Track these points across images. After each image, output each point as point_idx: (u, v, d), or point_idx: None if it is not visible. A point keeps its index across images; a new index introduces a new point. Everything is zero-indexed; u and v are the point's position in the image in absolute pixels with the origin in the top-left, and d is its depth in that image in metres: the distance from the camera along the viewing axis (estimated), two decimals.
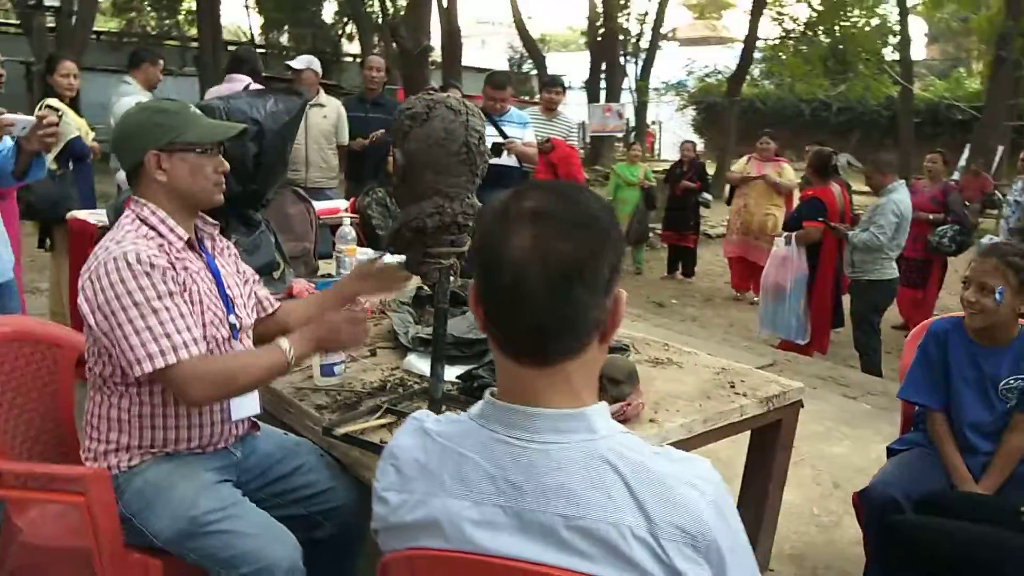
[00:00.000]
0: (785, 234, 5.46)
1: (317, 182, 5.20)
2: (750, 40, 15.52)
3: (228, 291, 1.82)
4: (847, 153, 7.37)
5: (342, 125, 5.33)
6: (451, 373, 2.21)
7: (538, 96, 6.11)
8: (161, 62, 4.94)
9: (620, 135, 17.81)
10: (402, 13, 13.81)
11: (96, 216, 3.71)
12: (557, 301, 0.92)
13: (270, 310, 2.03)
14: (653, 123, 24.25)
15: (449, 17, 15.74)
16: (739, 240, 7.27)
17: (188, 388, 1.58)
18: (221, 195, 1.79)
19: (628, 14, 20.16)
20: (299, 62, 5.43)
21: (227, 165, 1.80)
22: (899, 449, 2.33)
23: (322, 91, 5.37)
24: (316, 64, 5.42)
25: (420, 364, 2.30)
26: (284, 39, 19.65)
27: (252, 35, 20.89)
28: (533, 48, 19.81)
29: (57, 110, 2.99)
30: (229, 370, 1.63)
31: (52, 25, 12.45)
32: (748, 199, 7.19)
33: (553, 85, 5.91)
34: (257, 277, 2.02)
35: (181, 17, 19.05)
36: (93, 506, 1.55)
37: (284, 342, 1.72)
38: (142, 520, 1.62)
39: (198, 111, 1.79)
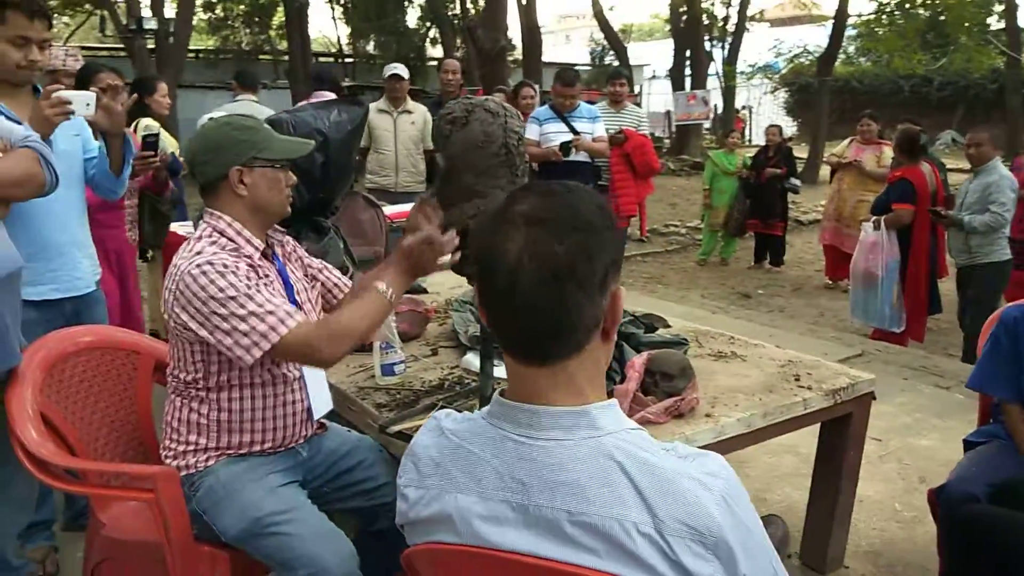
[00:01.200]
0: (873, 218, 5.23)
1: (407, 186, 5.34)
2: (840, 16, 14.90)
3: (297, 296, 1.89)
4: (951, 130, 6.99)
5: (428, 130, 5.44)
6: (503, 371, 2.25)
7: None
8: None
9: (706, 122, 17.41)
10: (479, 13, 13.94)
11: (185, 228, 3.93)
12: (552, 304, 0.95)
13: (346, 291, 2.08)
14: (743, 108, 23.63)
15: (528, 14, 15.77)
16: (832, 227, 7.01)
17: (313, 351, 1.66)
18: (289, 208, 1.88)
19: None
20: (387, 70, 5.59)
21: (295, 178, 1.88)
22: (976, 442, 2.21)
23: (409, 98, 5.50)
24: (403, 71, 5.56)
25: (477, 362, 2.33)
26: (370, 47, 20.12)
27: (340, 45, 21.52)
28: (614, 39, 19.61)
29: (155, 132, 3.14)
30: (345, 323, 1.70)
31: (152, 47, 13.16)
32: (843, 184, 6.93)
33: (616, 77, 5.85)
34: (326, 265, 2.09)
35: (272, 32, 19.79)
36: (162, 502, 1.66)
37: (380, 284, 1.76)
38: (212, 517, 1.72)
39: (270, 127, 1.88)
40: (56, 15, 19.88)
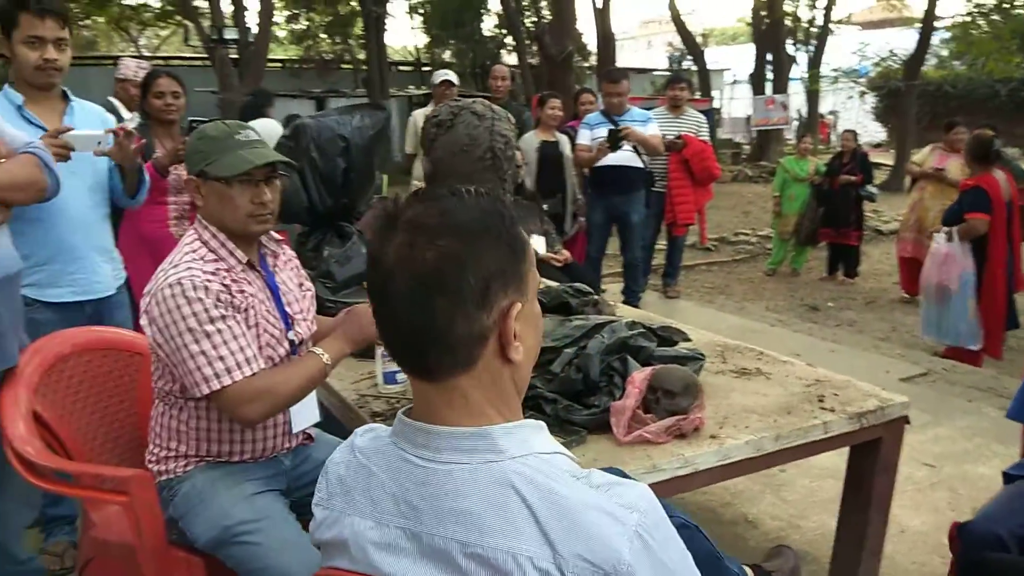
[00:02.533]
0: (945, 229, 4.92)
1: None
2: (929, 18, 14.22)
3: (287, 308, 1.85)
4: None
5: None
6: None
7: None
8: None
9: (786, 128, 16.88)
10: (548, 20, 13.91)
11: None
12: (420, 314, 0.89)
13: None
14: (829, 113, 22.83)
15: (603, 21, 15.65)
16: (912, 238, 6.66)
17: (238, 409, 1.64)
18: (261, 225, 1.77)
19: (798, 2, 19.14)
20: (437, 76, 5.61)
21: (268, 195, 1.75)
22: (1016, 475, 2.01)
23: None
24: (453, 77, 5.56)
25: None
26: (447, 55, 20.35)
27: (418, 54, 21.85)
28: (691, 44, 19.26)
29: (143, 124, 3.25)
30: (271, 384, 1.67)
31: (235, 56, 13.63)
32: (924, 193, 6.58)
33: (676, 82, 5.70)
34: (311, 287, 2.05)
35: (352, 42, 20.24)
36: (136, 505, 1.66)
37: (318, 348, 1.76)
38: (186, 523, 1.71)
39: (249, 137, 1.77)
40: (148, 27, 20.90)
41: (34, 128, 2.16)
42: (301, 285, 1.96)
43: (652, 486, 1.66)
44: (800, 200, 7.92)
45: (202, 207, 1.75)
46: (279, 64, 20.66)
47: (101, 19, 20.55)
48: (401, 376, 2.22)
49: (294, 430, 1.85)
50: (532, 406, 2.01)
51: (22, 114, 2.20)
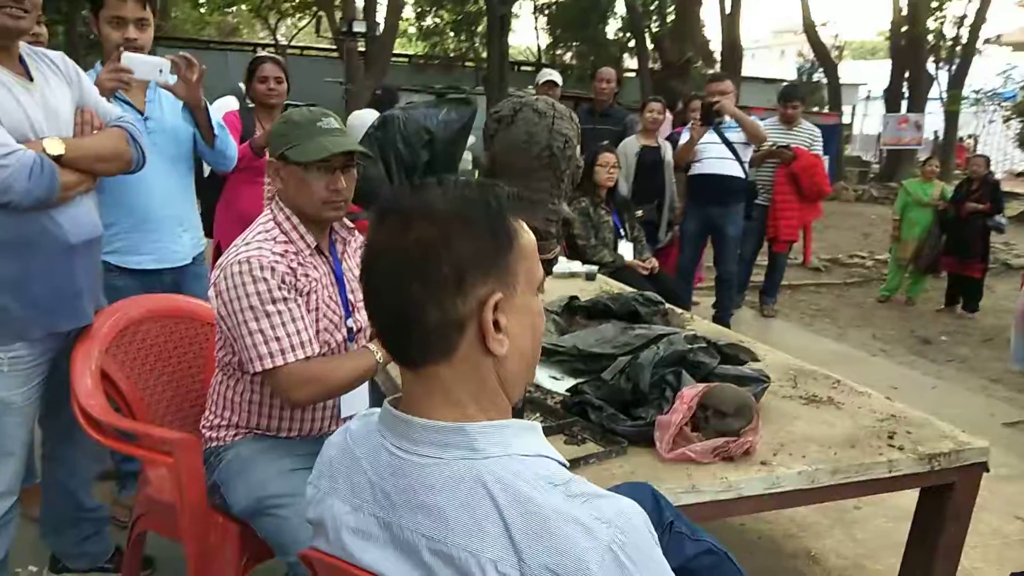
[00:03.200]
0: None
1: None
2: None
3: (350, 295, 1.89)
4: None
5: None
6: (566, 386, 2.14)
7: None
8: None
9: (919, 148, 15.95)
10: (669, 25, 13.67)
11: None
12: (395, 296, 0.89)
13: None
14: (968, 137, 21.43)
15: (731, 28, 15.25)
16: None
17: (289, 391, 1.70)
18: (335, 211, 1.80)
19: (942, 18, 18.02)
20: (541, 76, 5.63)
21: (343, 184, 1.79)
22: None
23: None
24: (557, 77, 5.55)
25: (536, 373, 2.24)
26: (568, 57, 20.36)
27: (540, 55, 21.96)
28: (824, 55, 18.49)
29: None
30: (322, 372, 1.72)
31: (363, 50, 14.09)
32: None
33: (789, 99, 5.49)
34: None
35: (477, 40, 20.55)
36: (179, 467, 1.73)
37: (373, 344, 1.80)
38: (226, 489, 1.77)
39: (331, 124, 1.80)
40: (286, 17, 21.89)
41: (119, 104, 2.26)
42: None
43: (689, 508, 1.64)
44: (921, 225, 7.45)
45: (281, 190, 1.80)
46: (405, 59, 21.22)
47: (245, 7, 21.72)
48: None
49: (342, 414, 1.88)
50: (578, 412, 1.97)
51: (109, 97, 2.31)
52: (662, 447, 1.79)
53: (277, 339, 1.66)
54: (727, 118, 4.88)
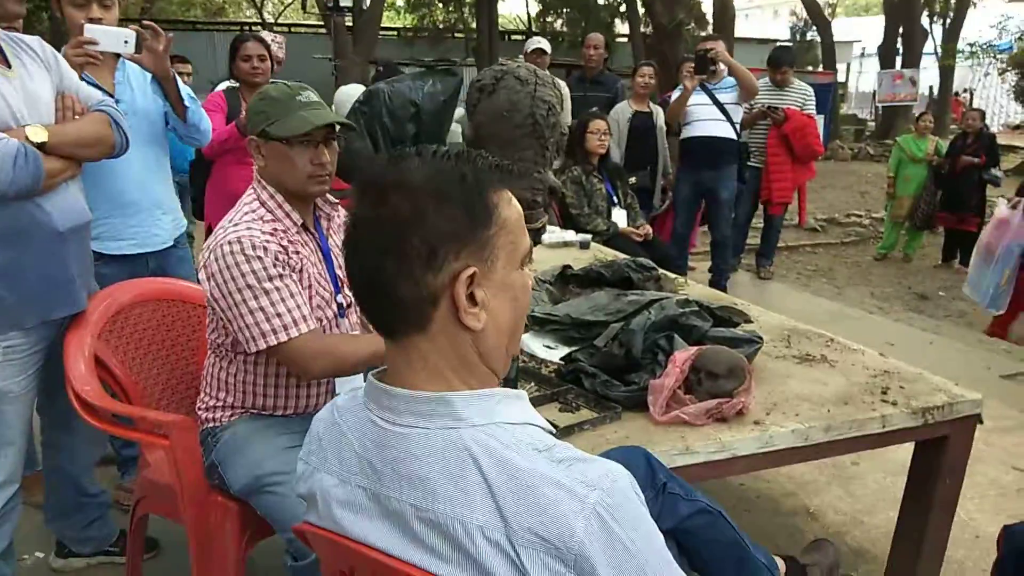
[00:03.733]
0: (1014, 198, 5.05)
1: None
2: None
3: (338, 271, 1.89)
4: None
5: (566, 106, 5.35)
6: (560, 355, 2.15)
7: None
8: None
9: (914, 104, 15.85)
10: None
11: None
12: (370, 268, 0.90)
13: None
14: (964, 91, 21.27)
15: None
16: None
17: (304, 363, 1.70)
18: (319, 186, 1.79)
19: None
20: (529, 44, 5.57)
21: (327, 157, 1.78)
22: None
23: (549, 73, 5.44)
24: (546, 45, 5.51)
25: (530, 343, 2.25)
26: (559, 24, 20.14)
27: (530, 23, 21.72)
28: (817, 14, 18.30)
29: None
30: (340, 352, 1.71)
31: (350, 24, 13.91)
32: None
33: (778, 65, 5.45)
34: None
35: (466, 11, 20.32)
36: (175, 448, 1.74)
37: None
38: (223, 469, 1.78)
39: (310, 98, 1.79)
40: None
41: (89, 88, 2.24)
42: None
43: (684, 469, 1.66)
44: (916, 182, 7.44)
45: (263, 168, 1.79)
46: (395, 32, 20.99)
47: None
48: None
49: (337, 390, 1.89)
50: (572, 380, 1.98)
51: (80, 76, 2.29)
52: (655, 411, 1.80)
53: (279, 315, 1.66)
54: (721, 73, 4.83)
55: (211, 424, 1.85)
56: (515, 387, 1.86)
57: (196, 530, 1.78)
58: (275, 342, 1.66)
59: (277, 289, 1.67)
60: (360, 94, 2.96)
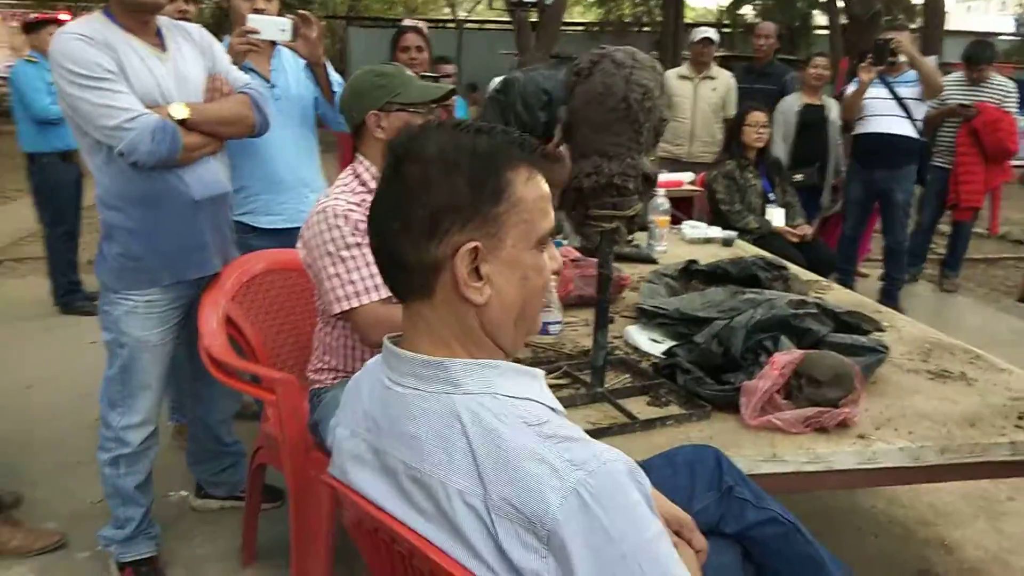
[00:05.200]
0: None
1: (699, 156, 5.13)
2: None
3: None
4: None
5: (731, 98, 5.18)
6: (663, 349, 2.10)
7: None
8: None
9: None
10: None
11: None
12: (382, 231, 0.94)
13: None
14: None
15: None
16: None
17: (364, 331, 1.82)
18: None
19: None
20: (696, 33, 5.43)
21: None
22: None
23: (714, 64, 5.27)
24: (713, 34, 5.34)
25: (636, 335, 2.21)
26: (751, 16, 19.33)
27: (720, 15, 21.04)
28: None
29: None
30: (391, 317, 1.76)
31: (536, 20, 14.15)
32: None
33: (975, 63, 4.94)
34: None
35: (653, 3, 20.00)
36: (281, 404, 1.88)
37: None
38: (322, 428, 1.90)
39: (411, 75, 1.94)
40: None
41: (249, 73, 2.43)
42: None
43: (768, 477, 1.57)
44: None
45: (383, 139, 1.87)
46: (582, 27, 21.10)
47: None
48: (554, 327, 2.24)
49: None
50: (668, 375, 1.93)
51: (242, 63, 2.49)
52: (747, 413, 1.71)
53: (352, 282, 1.77)
54: (902, 66, 4.46)
55: (317, 386, 1.99)
56: (602, 373, 1.84)
57: (294, 481, 1.91)
58: (346, 307, 1.78)
59: (353, 257, 1.77)
60: (498, 83, 3.01)
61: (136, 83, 1.91)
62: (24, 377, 3.61)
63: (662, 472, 1.43)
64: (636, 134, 1.67)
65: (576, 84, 1.71)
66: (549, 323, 2.23)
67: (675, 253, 3.31)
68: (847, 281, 4.96)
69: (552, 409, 0.96)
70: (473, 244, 0.90)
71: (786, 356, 1.78)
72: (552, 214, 0.97)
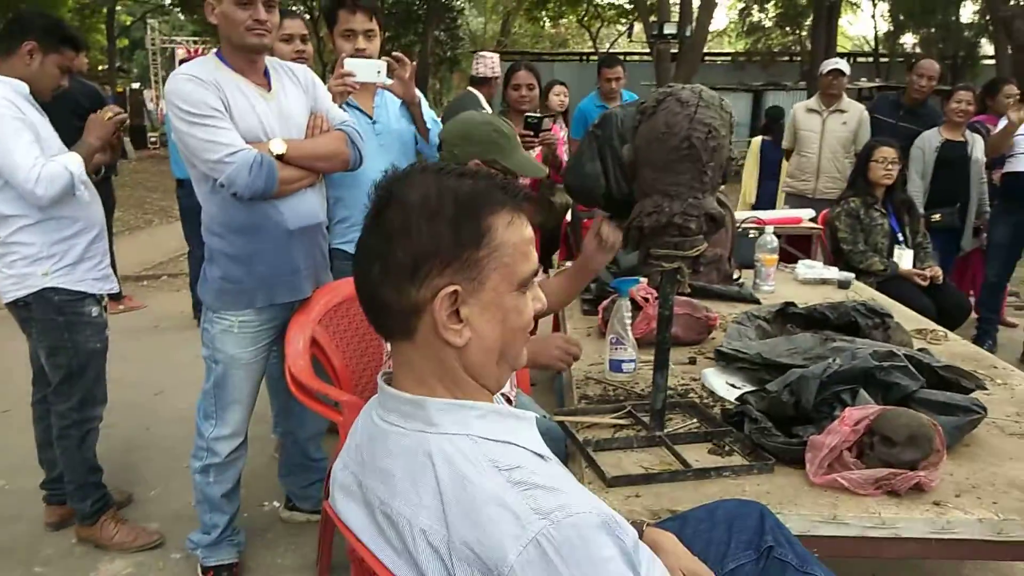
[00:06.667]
0: None
1: (826, 193, 4.90)
2: None
3: None
4: None
5: (863, 132, 4.91)
6: (738, 395, 2.02)
7: None
8: None
9: None
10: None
11: None
12: (364, 272, 0.96)
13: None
14: None
15: None
16: None
17: None
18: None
19: None
20: (826, 65, 5.22)
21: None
22: None
23: (845, 96, 5.04)
24: (844, 66, 5.12)
25: (712, 379, 2.15)
26: (910, 45, 18.35)
27: (876, 45, 20.07)
28: None
29: (539, 117, 3.46)
30: None
31: (675, 52, 14.07)
32: None
33: None
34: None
35: (804, 33, 19.39)
36: (345, 424, 1.94)
37: None
38: None
39: (518, 143, 2.10)
40: (610, 24, 22.53)
41: (351, 110, 2.57)
42: None
43: (826, 539, 1.49)
44: None
45: None
46: (727, 57, 20.76)
47: (572, 18, 22.83)
48: (628, 366, 2.20)
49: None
50: (736, 423, 1.85)
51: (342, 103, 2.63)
52: (811, 470, 1.62)
53: None
54: None
55: None
56: (662, 415, 1.80)
57: None
58: None
59: None
60: (597, 117, 3.03)
61: (240, 120, 2.06)
62: (156, 383, 3.94)
63: (699, 525, 1.38)
64: (699, 174, 1.64)
65: (640, 122, 1.70)
66: (623, 361, 2.20)
67: (783, 294, 3.18)
68: (990, 331, 4.58)
69: (539, 455, 0.96)
70: (452, 288, 0.91)
71: (860, 411, 1.67)
72: (534, 256, 0.98)
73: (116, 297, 5.48)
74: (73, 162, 2.22)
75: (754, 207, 6.24)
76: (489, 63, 4.32)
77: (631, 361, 2.20)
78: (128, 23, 23.07)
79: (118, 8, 21.77)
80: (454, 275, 0.91)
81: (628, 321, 2.20)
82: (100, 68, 21.11)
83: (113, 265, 5.35)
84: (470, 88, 4.24)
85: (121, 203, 9.60)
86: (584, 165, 2.56)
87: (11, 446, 3.12)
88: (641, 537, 1.28)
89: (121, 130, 2.45)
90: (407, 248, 0.91)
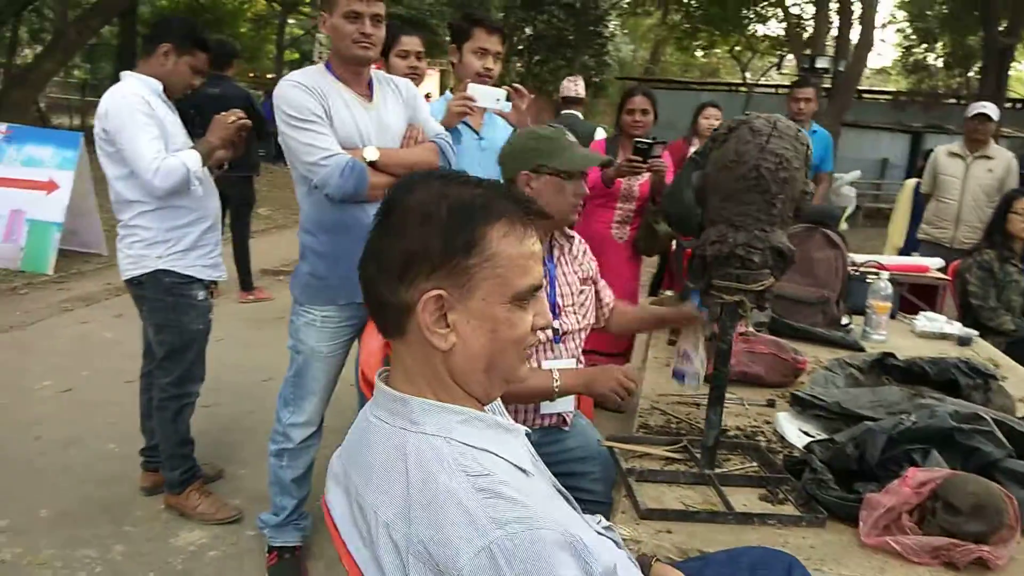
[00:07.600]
0: None
1: (965, 242, 4.57)
2: None
3: (559, 299, 2.03)
4: None
5: (1010, 180, 4.57)
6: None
7: None
8: None
9: None
10: None
11: None
12: (363, 270, 1.00)
13: (609, 306, 2.21)
14: None
15: None
16: None
17: None
18: (576, 216, 2.03)
19: None
20: (972, 108, 4.89)
21: (586, 191, 2.01)
22: None
23: (993, 142, 4.69)
24: (993, 111, 4.77)
25: (784, 423, 2.06)
26: None
27: None
28: None
29: (648, 141, 3.47)
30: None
31: (828, 87, 13.50)
32: None
33: None
34: (599, 287, 2.18)
35: (973, 75, 18.14)
36: None
37: (556, 371, 1.88)
38: None
39: (572, 139, 2.02)
40: (763, 55, 21.91)
41: (463, 125, 2.65)
42: (584, 280, 2.07)
43: None
44: None
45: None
46: (888, 96, 19.75)
47: (723, 49, 22.43)
48: (692, 380, 2.11)
49: (541, 411, 1.98)
50: (795, 472, 1.76)
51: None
52: (864, 529, 1.52)
53: None
54: None
55: None
56: (712, 461, 1.73)
57: None
58: None
59: None
60: (701, 146, 2.97)
61: (339, 127, 2.18)
62: (268, 370, 4.16)
63: (720, 569, 1.33)
64: (767, 205, 1.58)
65: (712, 149, 1.66)
66: (686, 371, 2.12)
67: (895, 345, 2.98)
68: None
69: (520, 469, 0.96)
70: (436, 292, 0.93)
71: (926, 473, 1.56)
72: (537, 271, 0.98)
73: (248, 287, 5.86)
74: (191, 159, 2.42)
75: (901, 252, 5.87)
76: (572, 87, 4.71)
77: (695, 374, 2.12)
78: (300, 34, 24.70)
79: (290, 22, 23.32)
80: (441, 280, 0.93)
81: (702, 337, 2.12)
82: (268, 76, 22.66)
83: (247, 258, 5.77)
84: (567, 110, 4.36)
85: (271, 202, 10.28)
86: (682, 192, 2.53)
87: (131, 414, 3.37)
88: (647, 573, 1.25)
89: (243, 133, 2.62)
90: (399, 248, 0.95)
